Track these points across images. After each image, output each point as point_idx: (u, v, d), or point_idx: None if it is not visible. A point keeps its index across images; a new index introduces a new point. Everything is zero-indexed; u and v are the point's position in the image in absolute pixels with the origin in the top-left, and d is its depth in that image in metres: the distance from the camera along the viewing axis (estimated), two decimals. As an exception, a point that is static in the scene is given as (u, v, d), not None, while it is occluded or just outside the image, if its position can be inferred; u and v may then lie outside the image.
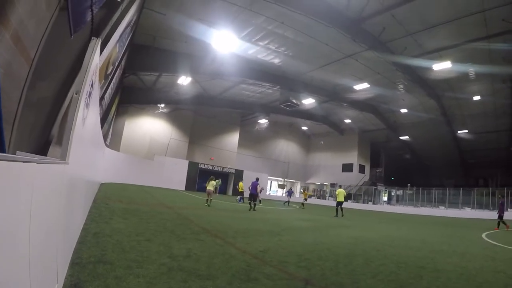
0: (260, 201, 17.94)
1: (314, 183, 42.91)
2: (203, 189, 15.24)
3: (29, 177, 1.27)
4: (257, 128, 37.10)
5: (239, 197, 20.15)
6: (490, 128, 27.51)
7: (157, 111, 28.75)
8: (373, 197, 35.41)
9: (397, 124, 32.44)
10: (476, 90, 20.96)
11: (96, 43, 2.96)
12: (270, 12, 14.76)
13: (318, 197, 38.55)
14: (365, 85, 21.76)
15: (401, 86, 22.72)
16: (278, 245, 5.53)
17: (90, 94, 3.08)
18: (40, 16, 2.53)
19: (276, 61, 20.65)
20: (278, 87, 24.50)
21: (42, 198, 1.55)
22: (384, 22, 14.92)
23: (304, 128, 40.70)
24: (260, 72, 21.94)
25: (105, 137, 15.37)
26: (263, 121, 35.30)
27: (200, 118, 33.16)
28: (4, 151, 1.52)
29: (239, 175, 31.59)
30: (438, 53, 16.97)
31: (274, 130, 39.33)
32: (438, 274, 4.26)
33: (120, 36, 6.03)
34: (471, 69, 17.93)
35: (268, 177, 37.87)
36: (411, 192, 31.30)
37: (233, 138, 36.66)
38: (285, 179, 41.84)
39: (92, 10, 2.80)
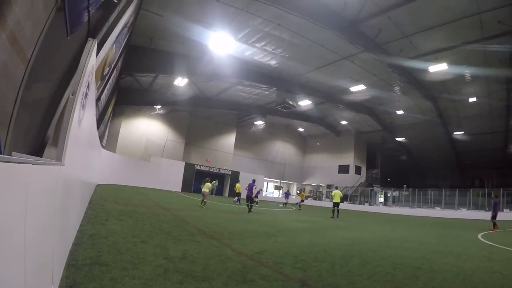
0: (257, 202, 17.96)
1: (311, 185, 42.93)
2: (199, 190, 15.23)
3: (24, 178, 1.27)
4: (254, 129, 37.05)
5: (236, 198, 20.23)
6: (486, 129, 27.68)
7: (153, 112, 28.66)
8: (369, 198, 35.45)
9: (393, 125, 32.57)
10: (472, 92, 21.11)
11: (93, 44, 2.97)
12: (267, 14, 14.81)
13: (315, 199, 38.54)
14: (361, 87, 21.82)
15: (397, 87, 22.81)
16: (274, 246, 5.53)
17: (86, 95, 3.08)
18: (37, 17, 2.53)
19: (273, 62, 20.68)
20: (274, 88, 24.48)
21: (38, 199, 1.55)
22: (381, 24, 15.00)
23: (301, 129, 40.74)
24: (256, 73, 21.94)
25: (101, 138, 15.28)
26: (259, 123, 35.25)
27: (196, 120, 33.07)
28: (-1, 152, 1.52)
29: (235, 176, 31.54)
30: (434, 55, 17.08)
31: (270, 132, 39.30)
32: (434, 274, 4.29)
33: (117, 37, 6.01)
34: (467, 71, 18.07)
35: (265, 178, 37.86)
36: (407, 193, 31.37)
37: (230, 140, 36.58)
38: (282, 181, 41.85)
39: (89, 11, 2.80)
